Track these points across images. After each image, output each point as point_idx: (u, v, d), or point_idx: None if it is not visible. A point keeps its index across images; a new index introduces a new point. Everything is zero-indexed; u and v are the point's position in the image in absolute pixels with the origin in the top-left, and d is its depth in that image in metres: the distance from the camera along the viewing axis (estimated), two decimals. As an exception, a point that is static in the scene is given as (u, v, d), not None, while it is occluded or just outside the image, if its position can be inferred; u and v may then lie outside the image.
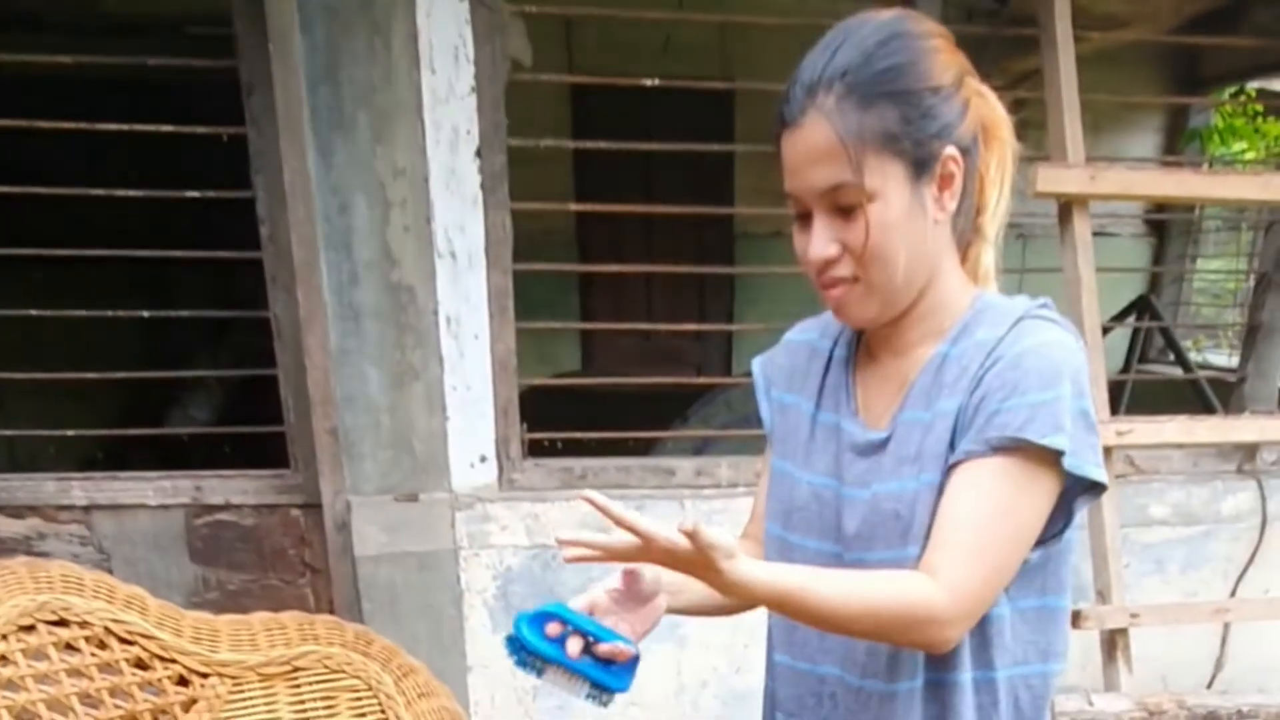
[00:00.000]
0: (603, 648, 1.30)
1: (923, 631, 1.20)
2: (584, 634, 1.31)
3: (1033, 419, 1.20)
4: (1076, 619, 2.90)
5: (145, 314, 2.91)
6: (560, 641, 1.31)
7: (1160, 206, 6.13)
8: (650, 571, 1.38)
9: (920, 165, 1.25)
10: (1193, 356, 6.15)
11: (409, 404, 2.96)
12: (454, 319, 2.92)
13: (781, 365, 1.58)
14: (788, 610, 1.19)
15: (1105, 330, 3.88)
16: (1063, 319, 1.32)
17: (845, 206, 1.24)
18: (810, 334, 1.56)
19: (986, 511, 1.21)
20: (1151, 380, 5.27)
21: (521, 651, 1.31)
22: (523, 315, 3.02)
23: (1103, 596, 2.92)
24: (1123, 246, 6.72)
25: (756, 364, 1.63)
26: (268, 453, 3.19)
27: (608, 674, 1.32)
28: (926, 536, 1.27)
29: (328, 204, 2.78)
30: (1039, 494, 1.23)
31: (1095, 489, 1.26)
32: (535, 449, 3.18)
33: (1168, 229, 6.71)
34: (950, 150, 1.26)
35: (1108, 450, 2.92)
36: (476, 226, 2.89)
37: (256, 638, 1.49)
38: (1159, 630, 3.12)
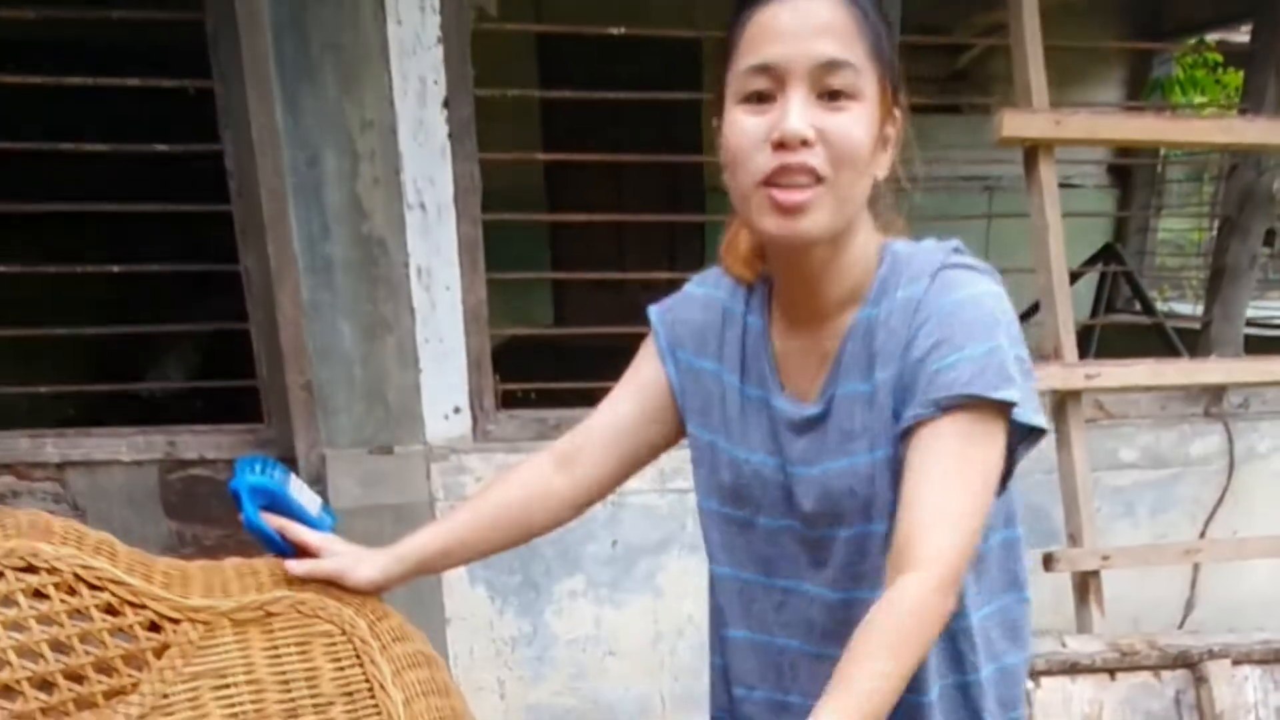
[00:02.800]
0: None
1: (936, 622, 1.18)
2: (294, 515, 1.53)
3: (981, 374, 1.18)
4: (1048, 562, 2.94)
5: (115, 269, 2.88)
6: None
7: (1125, 154, 6.18)
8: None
9: (885, 96, 1.22)
10: (1158, 306, 6.21)
11: (382, 356, 2.96)
12: (425, 270, 2.92)
13: (688, 323, 1.51)
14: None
15: (1073, 279, 3.92)
16: (981, 264, 1.30)
17: (834, 91, 1.17)
18: (719, 292, 1.49)
19: (949, 478, 1.19)
20: (1119, 326, 5.31)
21: (238, 503, 1.48)
22: (494, 270, 3.02)
23: (1074, 540, 2.95)
24: (1088, 197, 6.75)
25: (655, 316, 1.56)
26: (242, 410, 3.18)
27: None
28: (889, 509, 1.27)
29: (296, 157, 2.77)
30: (992, 447, 1.21)
31: (1035, 435, 1.25)
32: (509, 401, 3.18)
33: (1132, 181, 6.76)
34: (898, 112, 1.26)
35: (1076, 394, 2.95)
36: (445, 178, 2.88)
37: (229, 583, 1.47)
38: (1130, 573, 3.17)
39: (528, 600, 3.22)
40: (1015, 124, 2.86)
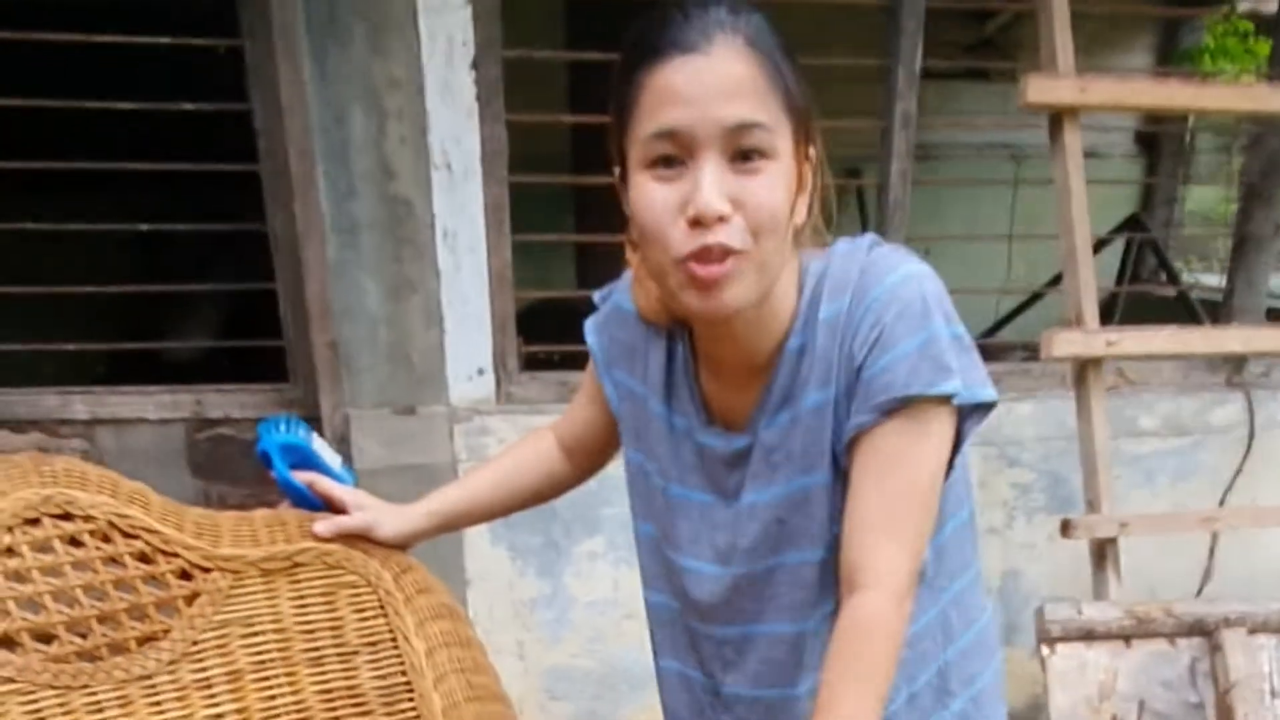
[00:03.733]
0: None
1: (898, 635, 1.17)
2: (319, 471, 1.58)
3: (916, 371, 1.15)
4: (1066, 529, 2.95)
5: (144, 227, 2.91)
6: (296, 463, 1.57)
7: (1153, 123, 6.14)
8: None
9: (800, 143, 1.15)
10: (1184, 277, 6.18)
11: (406, 317, 2.97)
12: (451, 232, 2.93)
13: (619, 341, 1.47)
14: None
15: (1097, 247, 3.90)
16: (899, 247, 1.25)
17: (746, 152, 1.09)
18: (629, 302, 1.44)
19: (893, 484, 1.18)
20: (1143, 295, 5.28)
21: (267, 463, 1.55)
22: (519, 232, 3.03)
23: (1092, 506, 2.96)
24: (1114, 167, 6.71)
25: (591, 334, 1.52)
26: (268, 370, 3.21)
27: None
28: (824, 537, 1.26)
29: (324, 116, 2.78)
30: (938, 440, 1.19)
31: (984, 407, 1.22)
32: (532, 363, 3.20)
33: (1159, 150, 6.71)
34: (813, 150, 1.19)
35: (1097, 361, 2.95)
36: (472, 139, 2.88)
37: (258, 534, 1.50)
38: (1148, 541, 3.17)
39: (548, 561, 3.25)
40: (1040, 89, 2.85)
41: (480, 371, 3.08)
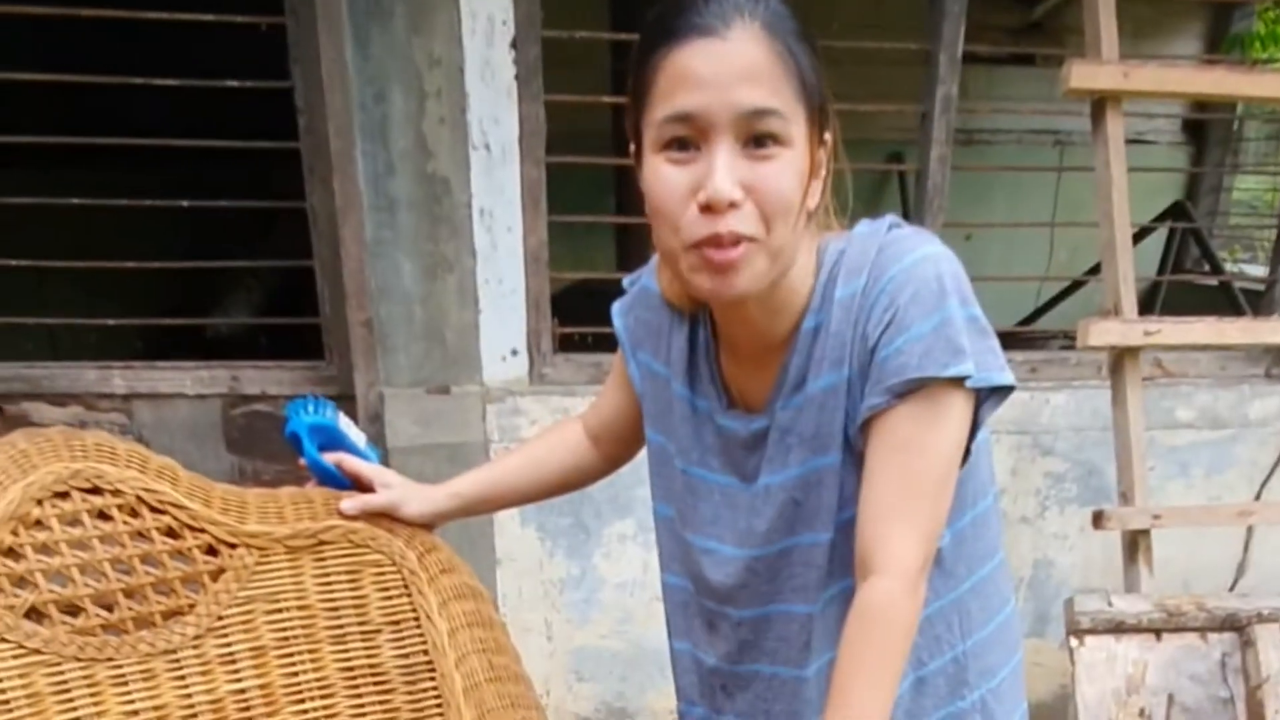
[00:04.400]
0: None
1: (912, 621, 1.18)
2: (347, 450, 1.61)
3: (929, 353, 1.14)
4: (1098, 520, 2.92)
5: (185, 204, 2.93)
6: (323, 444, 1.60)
7: (1200, 110, 6.07)
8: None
9: (814, 128, 1.15)
10: (1228, 267, 6.12)
11: (442, 296, 2.99)
12: (488, 211, 2.94)
13: (644, 322, 1.48)
14: None
15: (1139, 236, 3.86)
16: (919, 228, 1.25)
17: (760, 138, 1.09)
18: (653, 285, 1.46)
19: (907, 468, 1.17)
20: (1185, 285, 5.24)
21: (297, 446, 1.58)
22: (557, 213, 3.04)
23: (1125, 498, 2.93)
24: (1160, 154, 6.64)
25: (618, 316, 1.54)
26: (305, 348, 3.24)
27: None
28: (836, 515, 1.26)
29: (364, 94, 2.79)
30: (952, 424, 1.18)
31: (1002, 391, 1.21)
32: (566, 344, 3.21)
33: (1206, 138, 6.64)
34: (828, 135, 1.18)
35: (1134, 351, 2.93)
36: (511, 118, 2.89)
37: (284, 511, 1.52)
38: (1182, 535, 3.16)
39: (577, 542, 3.27)
40: (1082, 75, 2.82)
41: (514, 352, 3.09)
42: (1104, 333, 2.88)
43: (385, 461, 2.79)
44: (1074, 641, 2.72)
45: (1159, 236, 5.72)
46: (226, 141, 2.86)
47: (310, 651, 1.49)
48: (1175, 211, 5.58)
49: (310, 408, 1.60)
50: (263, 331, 4.67)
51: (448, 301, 3.00)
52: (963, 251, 1.22)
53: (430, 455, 3.05)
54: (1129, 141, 2.95)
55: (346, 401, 3.04)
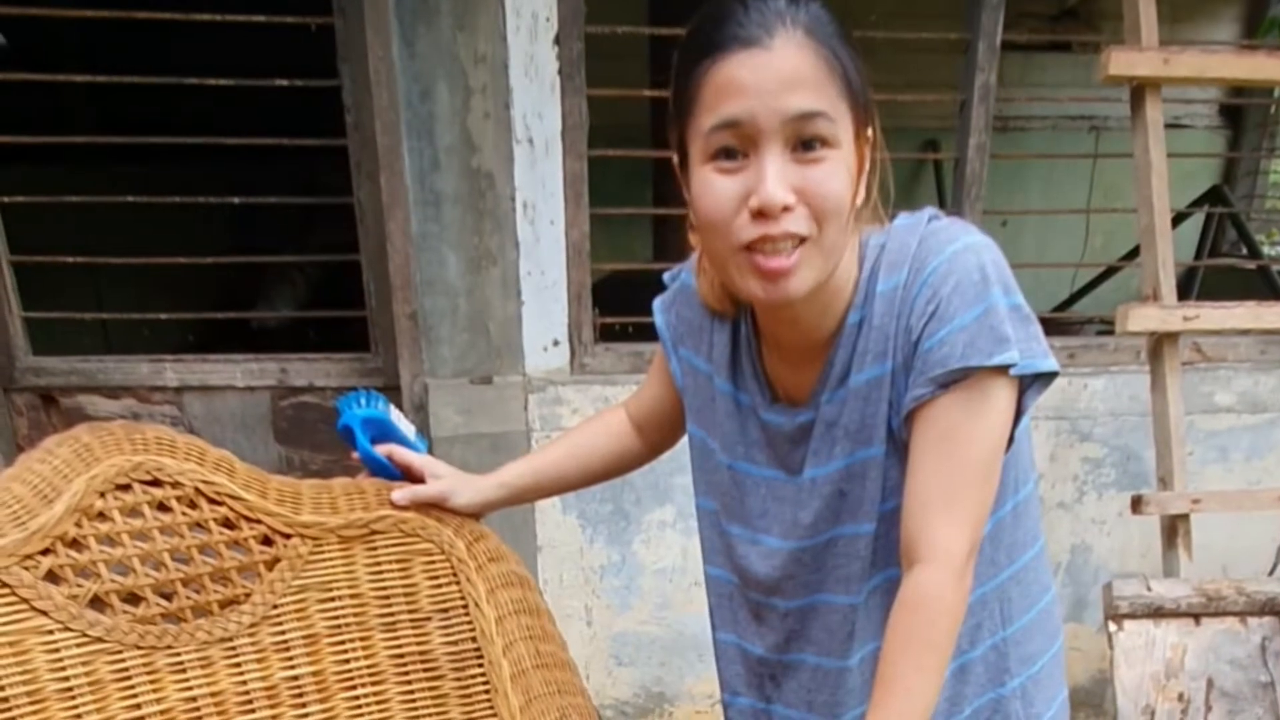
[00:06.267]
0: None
1: (957, 610, 1.19)
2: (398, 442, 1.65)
3: (973, 342, 1.15)
4: (1137, 505, 2.94)
5: (236, 200, 2.98)
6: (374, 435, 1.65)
7: (1237, 94, 6.03)
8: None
9: (860, 127, 1.16)
10: (1266, 250, 6.08)
11: (486, 288, 3.03)
12: (530, 205, 2.97)
13: (686, 319, 1.49)
14: None
15: (1176, 220, 3.85)
16: (958, 219, 1.26)
17: (809, 141, 1.10)
18: (693, 282, 1.46)
19: (952, 458, 1.18)
20: (1223, 270, 5.20)
21: (350, 439, 1.63)
22: (598, 205, 3.06)
23: (1164, 483, 2.94)
24: (1197, 139, 6.60)
25: (659, 313, 1.55)
26: (351, 340, 3.29)
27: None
28: (877, 509, 1.27)
29: (410, 91, 2.84)
30: (997, 413, 1.19)
31: (1045, 378, 1.21)
32: (606, 334, 3.25)
33: (1243, 122, 6.59)
34: (870, 131, 1.18)
35: (1173, 336, 2.94)
36: (554, 113, 2.92)
37: (337, 501, 1.54)
38: (1221, 520, 3.17)
39: (617, 529, 3.30)
40: (1122, 62, 2.82)
41: (555, 342, 3.13)
42: (1143, 318, 2.89)
43: (431, 452, 2.85)
44: (1112, 626, 2.73)
45: (1196, 221, 5.70)
46: (276, 139, 2.90)
47: (362, 639, 1.52)
48: (1213, 196, 5.55)
49: (362, 401, 1.63)
50: (309, 325, 4.71)
51: (491, 293, 3.04)
52: (998, 238, 1.24)
53: (473, 445, 3.09)
54: (1166, 126, 2.96)
55: (391, 392, 3.07)
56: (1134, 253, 3.75)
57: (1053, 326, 3.99)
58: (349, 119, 2.92)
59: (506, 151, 2.92)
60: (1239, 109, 6.49)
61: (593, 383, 3.17)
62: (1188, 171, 5.58)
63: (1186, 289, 4.47)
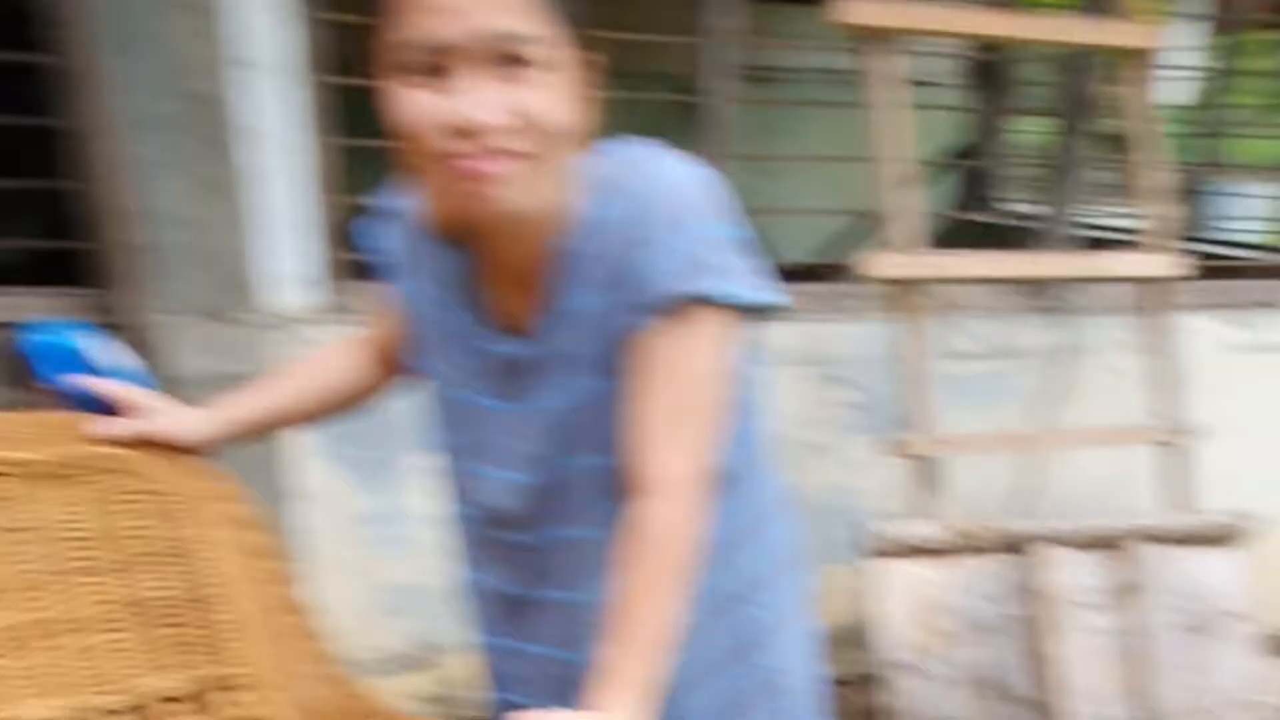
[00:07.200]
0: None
1: (687, 539, 1.18)
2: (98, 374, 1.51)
3: (681, 270, 1.17)
4: (888, 448, 3.04)
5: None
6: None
7: (987, 52, 6.23)
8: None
9: (571, 49, 1.15)
10: (1010, 208, 6.34)
11: (220, 220, 2.84)
12: (261, 131, 2.81)
13: (404, 247, 1.46)
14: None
15: (927, 174, 3.94)
16: (675, 152, 1.26)
17: (512, 61, 1.09)
18: (410, 209, 1.44)
19: (667, 386, 1.19)
20: (970, 224, 5.41)
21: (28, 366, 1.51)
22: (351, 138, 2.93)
23: (913, 427, 3.02)
24: (945, 97, 6.80)
25: (376, 241, 1.53)
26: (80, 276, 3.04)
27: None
28: (616, 439, 1.27)
29: (116, 7, 2.60)
30: (711, 339, 1.21)
31: (764, 310, 1.24)
32: (352, 271, 3.10)
33: (991, 81, 6.81)
34: (586, 56, 1.19)
35: (916, 283, 3.02)
36: (286, 35, 2.77)
37: (48, 436, 1.45)
38: (970, 464, 3.25)
39: (380, 475, 3.21)
40: (860, 12, 2.87)
41: (297, 278, 2.99)
42: (888, 265, 2.97)
43: (162, 391, 2.65)
44: (868, 565, 2.82)
45: (943, 177, 5.89)
46: None
47: (87, 582, 1.41)
48: (962, 153, 5.74)
49: (51, 330, 1.53)
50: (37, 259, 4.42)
51: (226, 225, 2.85)
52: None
53: (212, 386, 2.89)
54: (918, 83, 3.04)
55: (118, 331, 2.86)
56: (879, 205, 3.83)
57: (810, 274, 4.05)
58: (55, 35, 2.66)
59: (232, 74, 2.73)
60: (988, 67, 6.71)
61: (339, 321, 3.03)
62: (936, 129, 5.73)
63: (940, 239, 4.61)
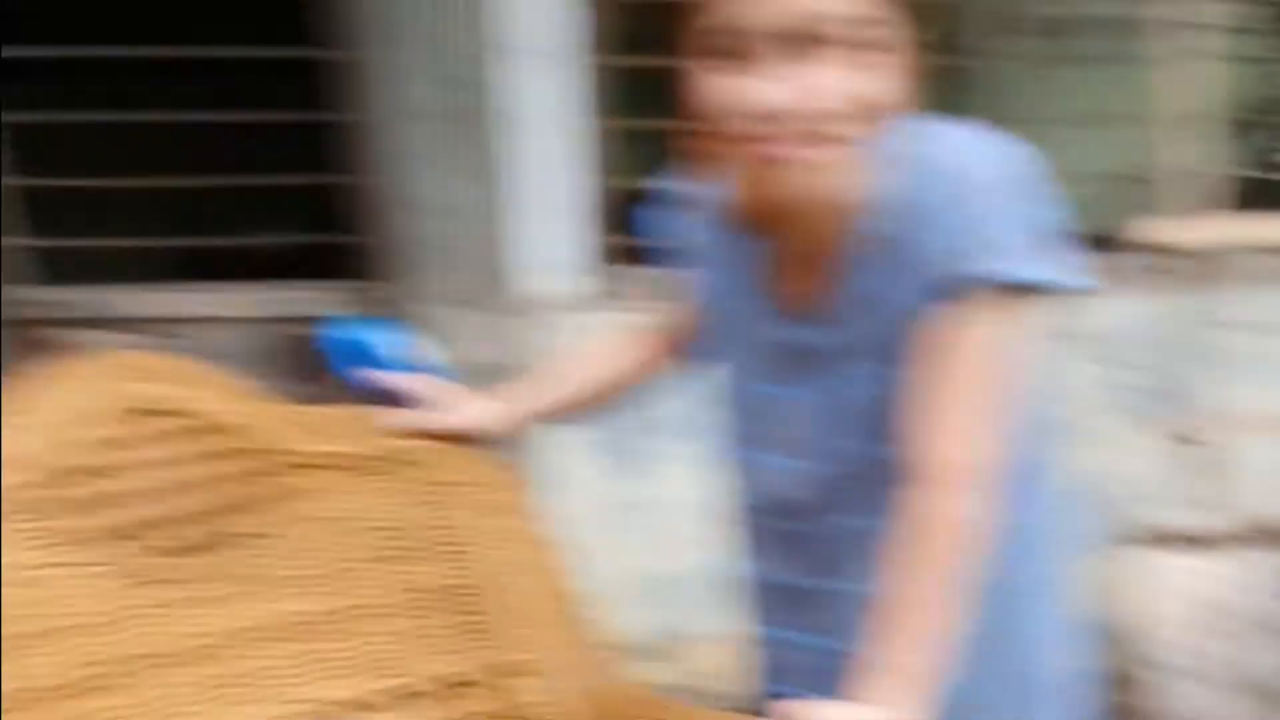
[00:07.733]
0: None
1: (957, 531, 1.14)
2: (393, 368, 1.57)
3: (974, 251, 1.13)
4: (1173, 434, 2.93)
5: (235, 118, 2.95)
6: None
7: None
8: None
9: (878, 26, 1.11)
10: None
11: (483, 208, 2.90)
12: (530, 119, 2.85)
13: (698, 234, 1.45)
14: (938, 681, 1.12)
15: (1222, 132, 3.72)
16: (978, 126, 1.22)
17: (815, 42, 1.07)
18: (701, 194, 1.42)
19: (949, 371, 1.15)
20: (1261, 182, 5.09)
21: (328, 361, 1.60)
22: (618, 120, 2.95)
23: (1201, 409, 2.90)
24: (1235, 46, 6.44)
25: (668, 228, 1.52)
26: (354, 268, 3.18)
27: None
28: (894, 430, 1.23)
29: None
30: (999, 324, 1.16)
31: (1059, 294, 1.19)
32: (622, 256, 3.11)
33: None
34: (896, 33, 1.13)
35: (1213, 253, 2.88)
36: (560, 18, 2.80)
37: (343, 431, 1.50)
38: (1261, 448, 3.03)
39: (640, 463, 3.21)
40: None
41: (564, 265, 3.02)
42: (1179, 232, 2.87)
43: (461, 383, 2.72)
44: (1134, 555, 2.74)
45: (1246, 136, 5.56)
46: (260, 50, 2.81)
47: (373, 573, 1.43)
48: (1259, 107, 5.42)
49: (348, 327, 1.64)
50: (308, 252, 4.67)
51: (495, 215, 2.92)
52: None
53: (481, 375, 2.98)
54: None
55: (392, 321, 3.00)
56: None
57: (1092, 243, 3.87)
58: (328, 31, 2.80)
59: (504, 62, 2.78)
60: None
61: (609, 308, 3.04)
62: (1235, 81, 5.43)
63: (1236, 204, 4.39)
